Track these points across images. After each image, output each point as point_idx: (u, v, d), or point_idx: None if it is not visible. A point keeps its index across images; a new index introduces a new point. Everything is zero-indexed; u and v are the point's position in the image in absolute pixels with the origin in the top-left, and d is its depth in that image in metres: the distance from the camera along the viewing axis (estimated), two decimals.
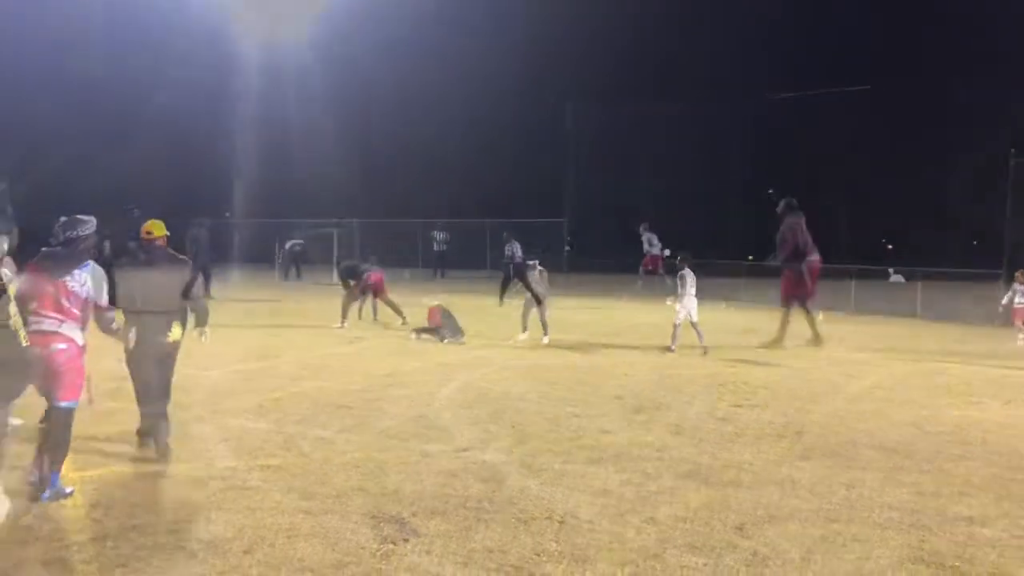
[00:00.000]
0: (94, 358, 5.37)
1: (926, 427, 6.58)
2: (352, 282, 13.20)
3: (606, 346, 11.11)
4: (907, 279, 24.54)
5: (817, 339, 10.85)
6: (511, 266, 17.04)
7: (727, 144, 29.00)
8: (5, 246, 5.25)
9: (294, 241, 25.30)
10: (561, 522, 4.41)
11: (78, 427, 5.15)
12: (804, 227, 10.87)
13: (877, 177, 26.77)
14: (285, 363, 9.69)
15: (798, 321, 11.04)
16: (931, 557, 4.00)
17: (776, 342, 10.88)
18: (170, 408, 5.86)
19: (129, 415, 6.13)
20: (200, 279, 16.76)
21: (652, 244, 21.48)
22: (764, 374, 8.92)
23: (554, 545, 4.10)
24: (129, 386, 5.98)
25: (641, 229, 21.70)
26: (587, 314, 15.53)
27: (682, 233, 28.67)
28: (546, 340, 11.18)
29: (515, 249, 17.06)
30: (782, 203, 11.12)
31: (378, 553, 4.00)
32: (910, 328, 14.49)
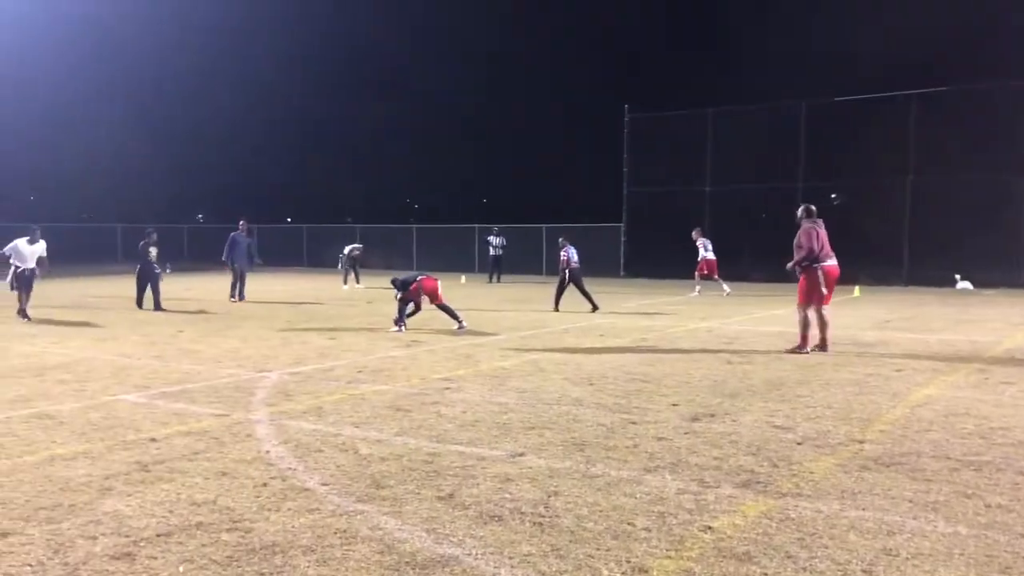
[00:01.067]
0: None
1: (994, 438, 6.39)
2: (400, 294, 13.35)
3: (663, 352, 11.02)
4: (975, 286, 23.95)
5: (823, 344, 11.03)
6: (567, 271, 17.02)
7: (785, 147, 28.53)
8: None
9: (353, 246, 25.73)
10: (617, 530, 4.39)
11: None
12: (821, 233, 11.01)
13: (939, 180, 26.05)
14: (342, 366, 9.81)
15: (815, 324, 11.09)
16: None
17: (797, 348, 10.96)
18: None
19: (192, 415, 6.25)
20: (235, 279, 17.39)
21: (707, 249, 21.32)
22: (824, 381, 8.76)
23: (610, 553, 4.09)
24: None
25: (695, 235, 21.55)
26: (644, 319, 15.43)
27: (739, 238, 28.38)
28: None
29: (571, 254, 17.03)
30: (800, 209, 11.27)
31: (434, 557, 4.02)
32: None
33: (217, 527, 4.40)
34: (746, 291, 23.61)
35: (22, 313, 15.09)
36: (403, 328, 13.18)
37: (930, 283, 25.04)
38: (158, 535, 4.29)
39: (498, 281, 27.94)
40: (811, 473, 5.43)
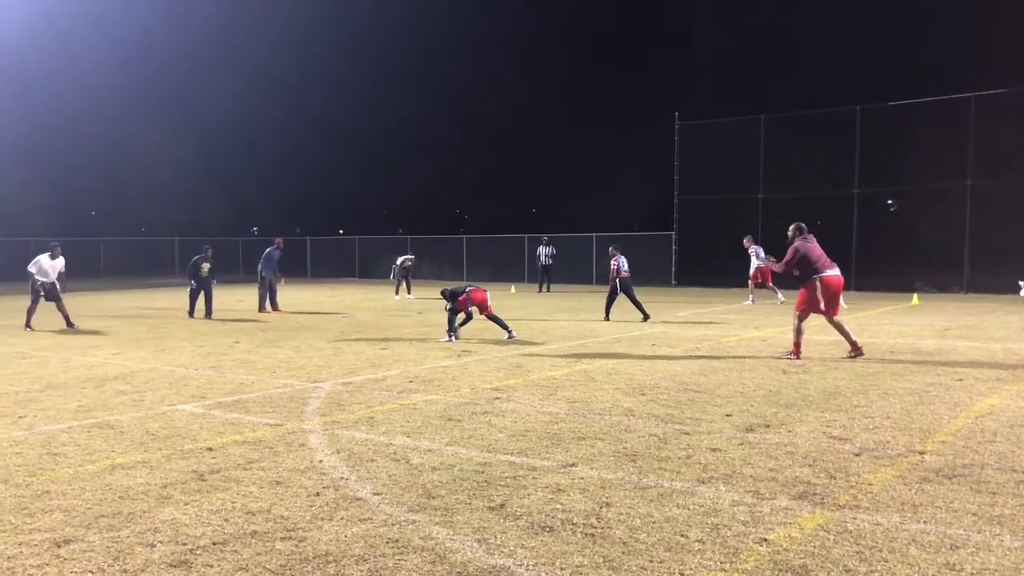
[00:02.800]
0: None
1: None
2: (450, 305, 13.44)
3: (716, 361, 10.89)
4: None
5: (854, 347, 11.15)
6: (617, 280, 16.95)
7: (839, 153, 28.07)
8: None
9: (405, 257, 26.00)
10: (670, 542, 4.34)
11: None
12: (813, 247, 11.29)
13: (999, 184, 25.38)
14: (393, 376, 9.88)
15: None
16: None
17: (794, 352, 11.21)
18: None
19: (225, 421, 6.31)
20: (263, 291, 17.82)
21: (759, 256, 20.98)
22: (882, 391, 8.57)
23: (663, 565, 4.03)
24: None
25: (746, 242, 21.27)
26: (696, 328, 15.27)
27: (784, 241, 27.98)
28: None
29: (621, 262, 16.96)
30: (792, 227, 11.57)
31: (486, 567, 4.01)
32: None
33: (271, 536, 4.45)
34: None
35: (67, 322, 15.94)
36: (454, 338, 13.24)
37: (992, 290, 24.39)
38: (214, 543, 4.35)
39: (548, 291, 27.94)
40: (870, 485, 5.31)
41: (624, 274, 16.94)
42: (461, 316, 13.60)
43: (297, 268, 39.89)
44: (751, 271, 21.25)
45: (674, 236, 31.18)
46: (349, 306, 22.22)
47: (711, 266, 28.49)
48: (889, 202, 30.57)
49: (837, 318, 11.20)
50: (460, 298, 13.40)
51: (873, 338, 13.44)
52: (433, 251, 38.44)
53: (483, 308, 13.53)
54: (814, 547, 4.24)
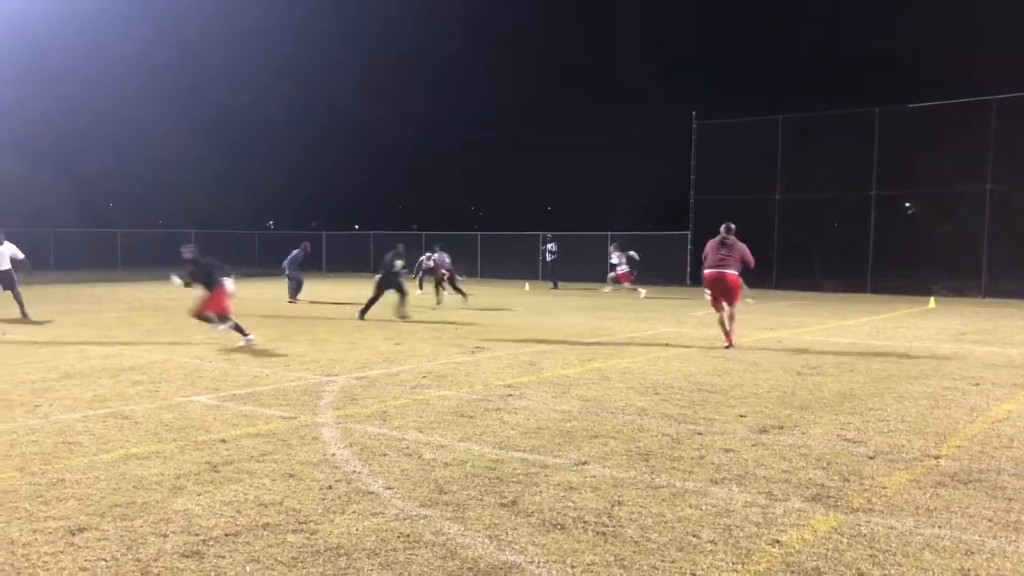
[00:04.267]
0: None
1: None
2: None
3: (730, 362, 10.85)
4: None
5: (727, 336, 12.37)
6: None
7: (858, 154, 27.89)
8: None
9: (428, 254, 26.26)
10: (682, 542, 4.32)
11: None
12: (708, 245, 12.66)
13: (1019, 188, 25.16)
14: (407, 371, 9.89)
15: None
16: None
17: (728, 339, 12.34)
18: None
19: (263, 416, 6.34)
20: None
21: (621, 262, 24.83)
22: (897, 394, 8.51)
23: (674, 565, 4.02)
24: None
25: (611, 250, 25.23)
26: (710, 329, 15.21)
27: (809, 247, 27.82)
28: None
29: (621, 259, 17.40)
30: (723, 227, 12.70)
31: (497, 563, 4.01)
32: None
33: (283, 528, 4.47)
34: (816, 301, 23.15)
35: (21, 311, 15.97)
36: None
37: (1010, 295, 24.20)
38: (226, 534, 4.37)
39: (555, 288, 28.14)
40: (884, 488, 5.27)
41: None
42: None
43: (313, 262, 40.00)
44: (616, 273, 24.93)
45: (689, 236, 31.06)
46: (363, 300, 22.24)
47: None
48: (907, 204, 30.39)
49: (732, 310, 12.39)
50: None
51: (888, 341, 13.37)
52: (447, 248, 38.50)
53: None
54: (827, 550, 4.22)
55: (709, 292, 12.49)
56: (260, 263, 40.69)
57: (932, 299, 22.26)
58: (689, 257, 30.87)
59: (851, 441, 6.54)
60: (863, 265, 27.24)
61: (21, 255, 16.32)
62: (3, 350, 11.59)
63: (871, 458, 6.02)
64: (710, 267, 12.44)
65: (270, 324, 15.59)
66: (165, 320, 16.28)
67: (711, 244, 12.58)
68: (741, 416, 7.45)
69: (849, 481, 5.43)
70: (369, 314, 16.33)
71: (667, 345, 12.65)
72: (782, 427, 7.02)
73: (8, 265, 15.90)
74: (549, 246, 29.41)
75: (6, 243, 16.02)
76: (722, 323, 12.46)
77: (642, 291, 24.29)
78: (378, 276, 17.01)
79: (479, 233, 39.66)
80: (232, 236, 44.54)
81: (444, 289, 21.97)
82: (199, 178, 53.76)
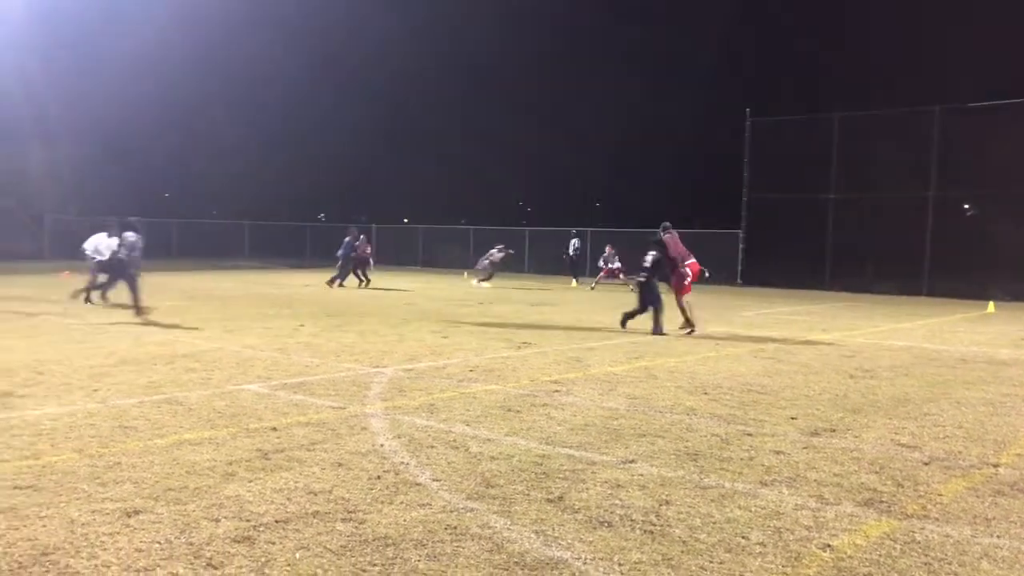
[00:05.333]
0: None
1: None
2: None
3: (781, 363, 10.70)
4: None
5: (688, 324, 13.66)
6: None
7: (916, 154, 27.28)
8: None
9: (498, 247, 27.34)
10: (730, 543, 4.28)
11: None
12: (678, 240, 14.02)
13: None
14: (454, 364, 9.93)
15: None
16: None
17: (687, 328, 13.66)
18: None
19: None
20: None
21: (576, 250, 28.73)
22: (954, 400, 8.32)
23: (723, 566, 3.98)
24: None
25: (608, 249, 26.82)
26: (761, 329, 15.03)
27: (864, 248, 27.32)
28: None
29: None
30: (663, 225, 14.19)
31: (543, 558, 4.01)
32: None
33: (332, 516, 4.51)
34: (869, 303, 22.72)
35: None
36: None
37: None
38: (276, 521, 4.43)
39: (577, 283, 28.36)
40: (939, 495, 5.16)
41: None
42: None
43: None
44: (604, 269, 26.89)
45: (741, 235, 30.69)
46: (412, 294, 22.42)
47: (778, 266, 27.99)
48: (966, 206, 29.66)
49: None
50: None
51: (945, 345, 13.07)
52: (494, 243, 38.61)
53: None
54: (880, 556, 4.14)
55: (688, 282, 13.86)
56: (311, 254, 41.21)
57: (991, 303, 21.70)
58: (740, 256, 30.53)
59: (905, 446, 6.41)
60: (919, 267, 26.66)
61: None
62: (63, 335, 11.90)
63: (926, 464, 5.90)
64: (690, 259, 13.88)
65: (320, 315, 15.77)
66: (218, 309, 16.56)
67: (677, 241, 13.94)
68: (792, 418, 7.34)
69: (903, 487, 5.32)
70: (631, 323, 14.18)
71: (717, 345, 12.52)
72: (834, 430, 6.91)
73: (123, 256, 16.38)
74: (573, 242, 29.64)
75: (122, 234, 16.69)
76: (687, 308, 13.73)
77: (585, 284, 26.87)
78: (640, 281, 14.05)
79: (527, 229, 39.65)
80: (285, 228, 45.17)
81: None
82: (252, 170, 54.57)
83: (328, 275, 24.81)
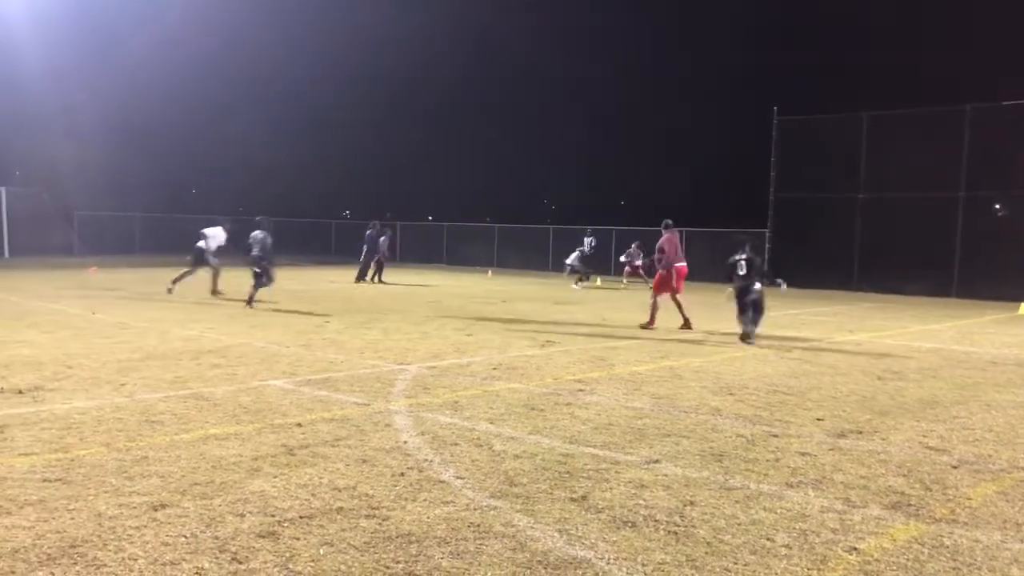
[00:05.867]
0: None
1: None
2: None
3: (808, 364, 10.60)
4: None
5: (686, 323, 14.22)
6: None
7: (946, 153, 26.91)
8: None
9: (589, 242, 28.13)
10: (755, 545, 4.24)
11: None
12: (676, 241, 14.44)
13: None
14: (478, 362, 9.93)
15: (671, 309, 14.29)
16: None
17: (647, 325, 14.24)
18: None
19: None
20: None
21: (592, 248, 28.07)
22: (984, 403, 8.21)
23: (747, 568, 3.95)
24: None
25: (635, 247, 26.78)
26: (788, 330, 14.91)
27: (892, 249, 27.01)
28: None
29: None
30: (664, 223, 14.46)
31: (566, 558, 4.00)
32: None
33: (356, 513, 4.53)
34: (898, 304, 22.48)
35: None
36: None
37: None
38: (301, 517, 4.45)
39: (587, 280, 28.19)
40: (968, 499, 5.09)
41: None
42: None
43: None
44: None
45: (768, 234, 30.43)
46: (436, 290, 22.46)
47: (806, 266, 27.71)
48: (996, 206, 29.23)
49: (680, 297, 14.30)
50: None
51: (975, 347, 12.90)
52: (519, 240, 38.59)
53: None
54: (907, 560, 4.09)
55: (667, 282, 14.26)
56: (336, 251, 41.40)
57: (1022, 305, 21.39)
58: (767, 256, 30.27)
59: (934, 449, 6.33)
60: (948, 268, 26.32)
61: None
62: (91, 330, 12.03)
63: (955, 467, 5.82)
64: (680, 262, 14.33)
65: (344, 312, 15.83)
66: (244, 305, 16.66)
67: (674, 241, 14.36)
68: (819, 420, 7.28)
69: (931, 490, 5.26)
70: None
71: (742, 345, 12.42)
72: (861, 432, 6.84)
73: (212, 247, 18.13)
74: (588, 240, 29.56)
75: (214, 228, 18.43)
76: (680, 307, 14.28)
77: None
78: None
79: (551, 227, 39.60)
80: (309, 224, 45.41)
81: None
82: (277, 167, 54.95)
83: (353, 272, 25.04)
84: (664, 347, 11.88)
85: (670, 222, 14.52)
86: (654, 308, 14.31)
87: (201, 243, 18.16)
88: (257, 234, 16.38)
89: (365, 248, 24.75)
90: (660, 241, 14.31)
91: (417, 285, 24.59)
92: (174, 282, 18.02)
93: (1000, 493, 5.24)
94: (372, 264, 24.63)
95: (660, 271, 14.33)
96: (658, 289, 14.37)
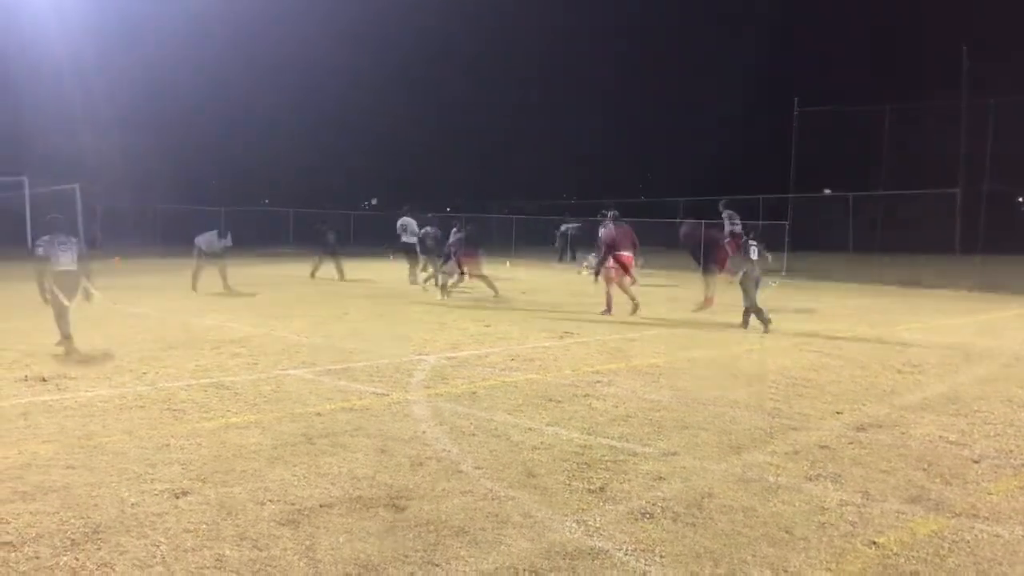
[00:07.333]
0: None
1: None
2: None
3: (827, 356, 10.55)
4: None
5: (607, 308, 14.76)
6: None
7: (967, 147, 26.69)
8: None
9: (568, 224, 26.70)
10: (774, 537, 4.24)
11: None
12: (616, 233, 14.57)
13: None
14: (496, 353, 9.95)
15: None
16: None
17: (609, 310, 14.76)
18: None
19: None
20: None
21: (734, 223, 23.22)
22: (1006, 397, 8.14)
23: (765, 560, 3.95)
24: None
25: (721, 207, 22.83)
26: (807, 323, 14.83)
27: (913, 244, 26.81)
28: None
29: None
30: (601, 212, 15.26)
31: (584, 548, 4.01)
32: None
33: (375, 502, 4.56)
34: (920, 297, 22.31)
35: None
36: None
37: None
38: (320, 505, 4.49)
39: (571, 260, 28.01)
40: (989, 494, 5.06)
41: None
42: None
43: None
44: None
45: (787, 227, 30.27)
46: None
47: (825, 260, 27.57)
48: (1020, 199, 28.97)
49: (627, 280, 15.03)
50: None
51: (998, 342, 12.78)
52: (536, 232, 38.61)
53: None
54: (927, 554, 4.07)
55: (616, 270, 14.71)
56: (356, 241, 41.50)
57: None
58: (786, 247, 30.12)
59: (954, 443, 6.29)
60: (971, 261, 26.12)
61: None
62: (114, 319, 12.15)
63: (976, 462, 5.78)
64: (626, 250, 14.71)
65: (364, 302, 15.90)
66: (264, 296, 16.77)
67: (620, 231, 14.63)
68: (838, 412, 7.25)
69: (951, 484, 5.23)
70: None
71: (761, 337, 12.38)
72: (880, 425, 6.80)
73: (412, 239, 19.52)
74: (570, 226, 29.41)
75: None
76: (628, 291, 14.94)
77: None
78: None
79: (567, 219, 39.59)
80: (330, 216, 45.54)
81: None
82: (297, 159, 55.14)
83: (379, 265, 24.93)
84: (682, 339, 11.85)
85: (616, 213, 15.05)
86: (609, 296, 14.87)
87: (408, 238, 19.39)
88: (428, 229, 17.97)
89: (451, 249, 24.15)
90: (601, 234, 14.81)
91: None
92: (425, 281, 18.87)
93: (1021, 488, 5.21)
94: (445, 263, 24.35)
95: (607, 263, 14.75)
96: (611, 279, 14.87)
